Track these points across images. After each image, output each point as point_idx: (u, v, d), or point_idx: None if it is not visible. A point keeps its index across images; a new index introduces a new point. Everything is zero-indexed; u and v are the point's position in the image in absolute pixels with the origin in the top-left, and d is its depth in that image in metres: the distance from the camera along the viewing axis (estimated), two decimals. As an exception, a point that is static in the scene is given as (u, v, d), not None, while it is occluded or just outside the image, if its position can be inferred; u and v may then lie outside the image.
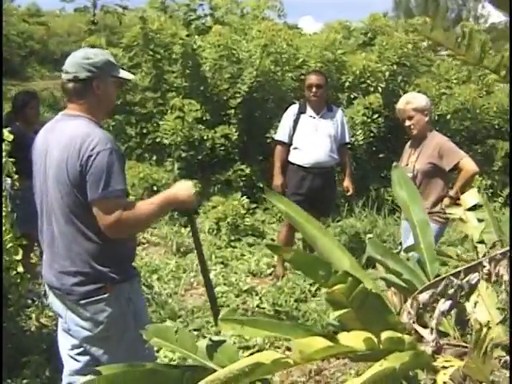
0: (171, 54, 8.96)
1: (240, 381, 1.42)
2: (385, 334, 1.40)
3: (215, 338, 1.99)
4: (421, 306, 1.46)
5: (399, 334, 1.49)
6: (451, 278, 1.47)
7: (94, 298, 2.76)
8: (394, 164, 4.43)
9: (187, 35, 8.88)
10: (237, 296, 5.70)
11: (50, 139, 2.77)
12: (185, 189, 2.88)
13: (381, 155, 9.69)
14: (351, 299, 1.53)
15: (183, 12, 10.09)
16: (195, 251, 3.22)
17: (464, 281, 1.48)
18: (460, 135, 9.81)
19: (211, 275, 6.17)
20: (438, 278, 1.48)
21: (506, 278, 1.71)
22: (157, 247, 7.41)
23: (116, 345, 2.87)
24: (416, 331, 1.46)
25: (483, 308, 1.89)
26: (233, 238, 7.55)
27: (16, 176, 4.41)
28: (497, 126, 10.44)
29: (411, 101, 4.90)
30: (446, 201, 4.73)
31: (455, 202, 4.83)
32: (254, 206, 8.58)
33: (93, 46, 9.24)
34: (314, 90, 6.00)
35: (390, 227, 7.96)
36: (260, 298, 5.64)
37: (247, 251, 7.18)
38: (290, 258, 1.63)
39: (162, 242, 7.53)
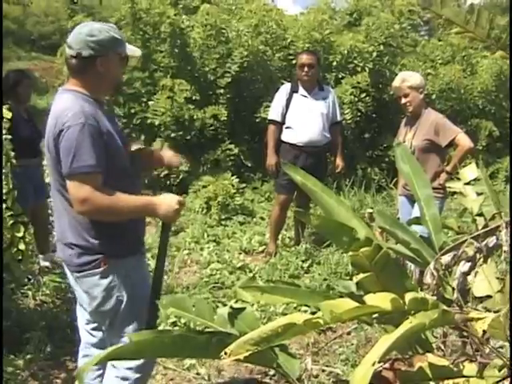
0: (159, 34, 8.94)
1: (272, 341, 1.48)
2: (409, 295, 1.48)
3: (236, 306, 2.07)
4: (443, 267, 1.54)
5: (422, 295, 1.57)
6: (471, 240, 1.55)
7: (87, 272, 2.76)
8: (397, 141, 4.53)
9: (175, 14, 8.86)
10: (231, 273, 5.77)
11: (50, 114, 2.78)
12: (168, 204, 2.78)
13: (366, 135, 9.78)
14: (374, 263, 1.61)
15: (170, -9, 10.08)
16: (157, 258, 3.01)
17: (483, 244, 1.55)
18: (445, 115, 9.88)
19: (204, 253, 6.27)
20: (458, 241, 1.55)
21: (506, 248, 1.80)
22: (147, 226, 7.41)
23: (110, 323, 2.87)
24: (438, 292, 1.54)
25: (483, 277, 1.98)
26: (223, 216, 7.62)
27: (12, 154, 4.42)
28: (480, 106, 10.57)
29: (407, 79, 5.00)
30: (443, 176, 4.85)
31: (452, 176, 5.00)
32: (243, 185, 8.65)
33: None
34: (306, 69, 6.04)
35: (378, 205, 8.07)
36: (254, 275, 5.72)
37: (238, 229, 7.25)
38: (317, 224, 1.71)
39: (153, 221, 7.57)
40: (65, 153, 2.59)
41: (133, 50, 2.99)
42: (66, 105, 2.68)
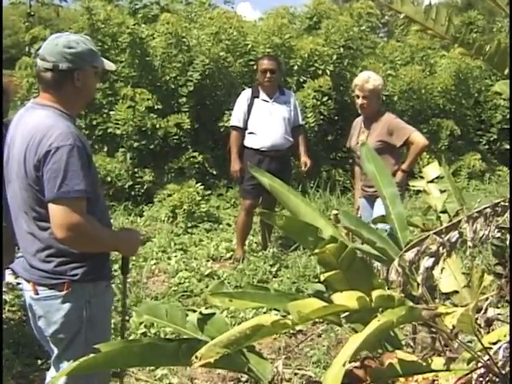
0: (119, 44, 8.88)
1: (241, 343, 1.47)
2: (375, 293, 1.48)
3: (205, 312, 2.06)
4: (408, 263, 1.54)
5: (389, 292, 1.58)
6: (434, 236, 1.56)
7: (49, 295, 2.63)
8: (362, 142, 4.56)
9: (134, 24, 8.80)
10: (199, 281, 5.73)
11: (17, 129, 2.63)
12: (132, 239, 2.86)
13: (330, 137, 9.84)
14: (340, 260, 1.61)
15: (128, 1, 10.02)
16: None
17: (445, 239, 1.57)
18: (406, 115, 10.01)
19: (172, 261, 6.23)
20: (422, 237, 1.56)
21: (470, 244, 1.81)
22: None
23: (64, 349, 2.72)
24: (405, 289, 1.55)
25: (449, 273, 2.00)
26: (189, 224, 7.59)
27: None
28: (441, 106, 10.74)
29: (370, 81, 4.99)
30: (399, 174, 4.88)
31: (408, 175, 5.05)
32: (208, 192, 8.63)
33: (36, 38, 9.14)
34: (268, 74, 6.06)
35: (344, 207, 8.10)
36: (222, 282, 5.70)
37: (205, 237, 7.23)
38: (282, 224, 1.71)
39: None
40: (52, 176, 2.44)
41: (108, 65, 2.85)
42: (48, 122, 2.53)
